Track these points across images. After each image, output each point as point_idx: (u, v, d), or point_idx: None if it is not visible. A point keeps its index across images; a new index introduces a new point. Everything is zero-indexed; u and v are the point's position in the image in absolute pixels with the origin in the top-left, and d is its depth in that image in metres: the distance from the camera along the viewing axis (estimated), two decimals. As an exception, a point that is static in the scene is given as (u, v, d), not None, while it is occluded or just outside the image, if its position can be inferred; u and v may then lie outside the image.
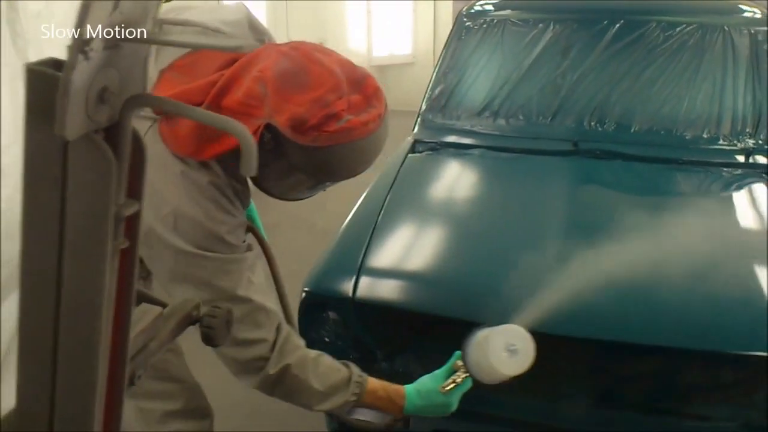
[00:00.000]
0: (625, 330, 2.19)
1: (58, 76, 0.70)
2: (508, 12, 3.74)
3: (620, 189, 3.02)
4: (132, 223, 0.81)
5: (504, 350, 1.55)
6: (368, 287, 2.40)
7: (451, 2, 8.68)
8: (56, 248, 0.77)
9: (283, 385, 1.58)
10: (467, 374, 1.65)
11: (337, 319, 2.43)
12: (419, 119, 3.70)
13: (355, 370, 1.66)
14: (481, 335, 1.63)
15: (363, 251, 2.53)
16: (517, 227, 2.70)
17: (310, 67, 1.38)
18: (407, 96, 9.00)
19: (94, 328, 0.78)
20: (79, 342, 0.79)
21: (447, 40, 3.83)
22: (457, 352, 1.69)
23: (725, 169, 3.08)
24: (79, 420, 0.83)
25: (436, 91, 3.70)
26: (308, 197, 1.73)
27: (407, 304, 2.39)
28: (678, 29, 3.33)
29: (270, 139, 1.41)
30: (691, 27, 3.33)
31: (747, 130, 3.20)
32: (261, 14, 6.00)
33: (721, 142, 3.20)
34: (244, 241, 1.57)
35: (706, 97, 3.27)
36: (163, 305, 1.24)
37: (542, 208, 2.82)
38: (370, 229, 2.66)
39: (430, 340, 2.40)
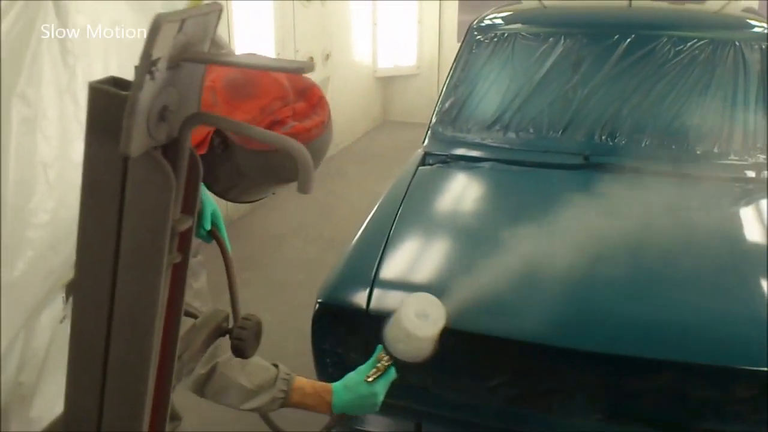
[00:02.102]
0: (636, 344, 2.19)
1: (120, 95, 0.72)
2: (518, 26, 3.76)
3: (631, 203, 3.03)
4: (184, 238, 0.83)
5: (416, 316, 1.58)
6: (382, 299, 2.41)
7: (456, 15, 8.71)
8: (111, 261, 0.78)
9: (212, 384, 1.61)
10: (389, 362, 1.66)
11: (350, 331, 2.44)
12: (429, 132, 3.71)
13: (283, 368, 1.69)
14: (394, 314, 1.66)
15: (376, 263, 2.53)
16: (528, 241, 2.71)
17: (258, 78, 1.45)
18: (412, 107, 9.05)
19: (146, 339, 0.80)
20: (130, 353, 0.81)
21: (458, 52, 3.85)
22: (379, 346, 1.71)
23: (736, 184, 3.09)
24: (128, 429, 0.85)
25: (447, 104, 3.71)
26: (259, 200, 1.76)
27: (421, 316, 2.39)
28: (689, 44, 3.34)
29: (219, 143, 1.46)
30: (701, 42, 3.34)
31: (758, 145, 3.21)
32: (269, 27, 6.03)
33: (732, 157, 3.21)
34: None
35: (716, 112, 3.28)
36: (195, 316, 1.26)
37: (553, 221, 2.83)
38: (383, 241, 2.67)
39: (443, 352, 2.40)
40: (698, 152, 3.25)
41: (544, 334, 2.24)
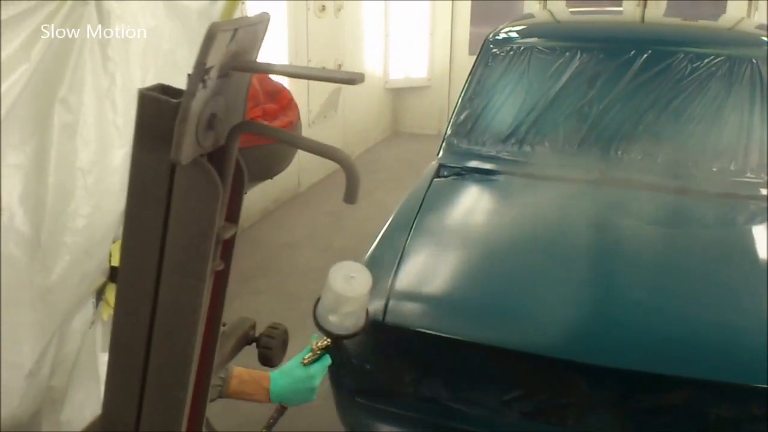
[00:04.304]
0: (652, 360, 2.19)
1: (170, 102, 0.72)
2: (534, 40, 3.77)
3: (645, 218, 3.03)
4: (227, 246, 0.84)
5: (342, 280, 1.58)
6: (398, 311, 2.41)
7: (468, 28, 8.73)
8: (155, 266, 0.79)
9: None
10: (324, 344, 1.66)
11: (366, 342, 2.43)
12: (444, 144, 3.71)
13: None
14: (323, 290, 1.66)
15: (392, 275, 2.53)
16: (543, 254, 2.71)
17: None
18: (422, 119, 9.07)
19: (188, 345, 0.80)
20: (171, 359, 0.81)
21: (473, 65, 3.86)
22: (314, 335, 1.71)
23: (752, 201, 3.09)
24: (166, 434, 0.85)
25: (462, 117, 3.71)
26: None
27: (436, 329, 2.39)
28: (705, 60, 3.35)
29: None
30: (718, 59, 3.35)
31: (774, 162, 3.21)
32: (283, 37, 6.06)
33: (748, 174, 3.20)
34: None
35: (733, 129, 3.27)
36: (222, 324, 1.26)
37: (568, 235, 2.83)
38: (398, 253, 2.67)
39: (458, 364, 2.41)
40: (714, 169, 3.24)
41: (558, 348, 2.23)
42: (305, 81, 5.27)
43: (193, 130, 0.71)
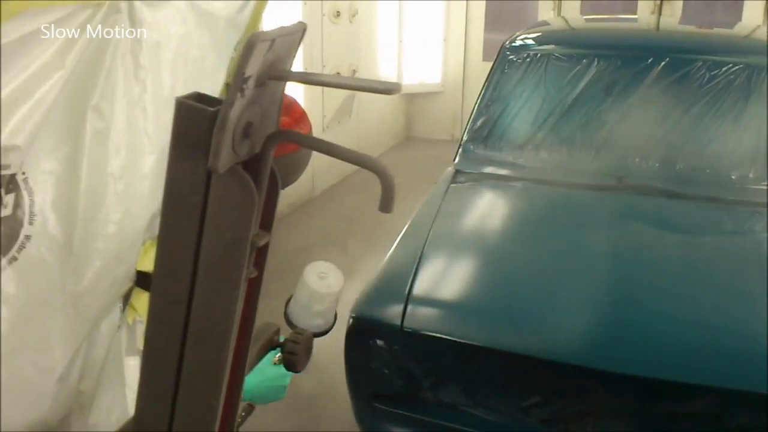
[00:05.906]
0: (672, 368, 2.18)
1: (207, 110, 0.73)
2: (551, 47, 3.76)
3: (663, 226, 3.02)
4: (261, 254, 0.84)
5: (316, 277, 1.59)
6: (416, 316, 2.41)
7: (482, 33, 8.71)
8: (190, 273, 0.79)
9: None
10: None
11: (384, 347, 2.44)
12: (460, 150, 3.71)
13: None
14: (297, 288, 1.67)
15: (410, 280, 2.53)
16: (561, 260, 2.70)
17: None
18: (435, 125, 9.06)
19: (222, 352, 0.81)
20: (205, 366, 0.82)
21: (489, 71, 3.85)
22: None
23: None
24: (198, 439, 0.85)
25: (478, 123, 3.70)
26: None
27: (454, 334, 2.39)
28: (724, 69, 3.33)
29: None
30: (737, 67, 3.33)
31: (794, 170, 3.19)
32: (298, 42, 6.09)
33: (766, 182, 3.18)
34: None
35: (751, 137, 3.26)
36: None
37: (585, 242, 2.82)
38: (416, 258, 2.67)
39: (476, 370, 2.41)
40: (732, 177, 3.23)
41: (576, 354, 2.23)
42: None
43: (230, 138, 0.72)
